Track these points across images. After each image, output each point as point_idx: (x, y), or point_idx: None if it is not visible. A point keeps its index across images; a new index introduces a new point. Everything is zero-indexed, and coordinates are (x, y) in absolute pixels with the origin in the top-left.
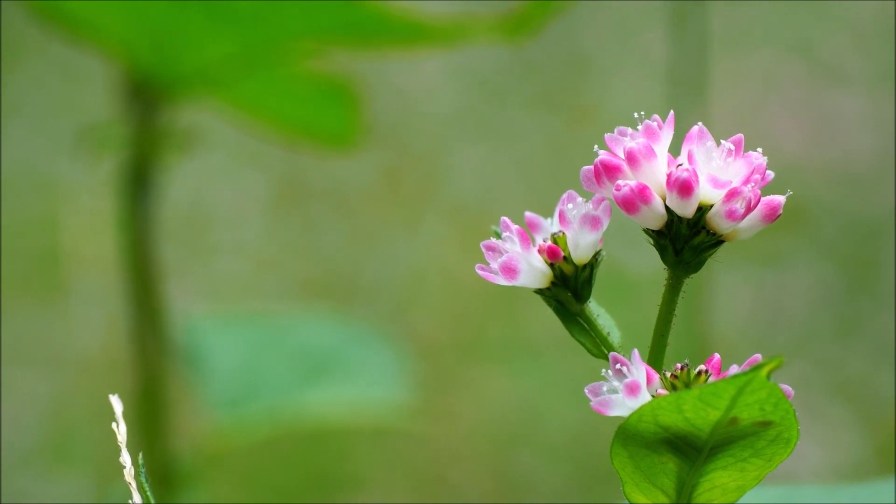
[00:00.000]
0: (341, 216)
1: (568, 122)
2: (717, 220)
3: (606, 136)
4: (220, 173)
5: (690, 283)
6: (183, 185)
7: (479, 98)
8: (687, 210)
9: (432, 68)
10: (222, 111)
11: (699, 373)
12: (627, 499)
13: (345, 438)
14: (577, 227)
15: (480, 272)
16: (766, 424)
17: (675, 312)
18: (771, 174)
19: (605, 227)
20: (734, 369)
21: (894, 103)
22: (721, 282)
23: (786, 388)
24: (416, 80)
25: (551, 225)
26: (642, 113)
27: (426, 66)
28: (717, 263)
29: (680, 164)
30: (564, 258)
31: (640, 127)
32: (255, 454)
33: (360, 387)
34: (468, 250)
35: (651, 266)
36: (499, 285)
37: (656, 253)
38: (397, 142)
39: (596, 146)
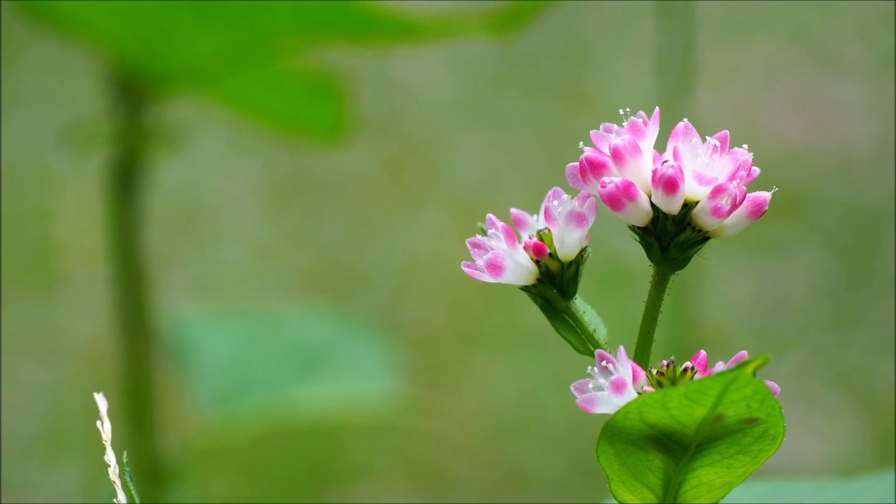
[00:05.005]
0: (341, 206)
1: (567, 111)
2: (703, 217)
3: (592, 132)
4: (217, 164)
5: (686, 273)
6: (180, 176)
7: (478, 87)
8: (672, 207)
9: (431, 58)
10: (211, 107)
11: (685, 370)
12: (614, 496)
13: (342, 431)
14: (563, 223)
15: (466, 269)
16: (752, 421)
17: (662, 309)
18: (756, 170)
19: (590, 223)
20: (720, 366)
21: (894, 91)
22: (720, 271)
23: (771, 384)
24: (415, 70)
25: (537, 222)
26: (628, 109)
27: (425, 57)
28: (716, 253)
29: (665, 161)
30: (550, 255)
31: (625, 123)
32: (252, 448)
33: (353, 381)
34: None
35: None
36: None
37: None
38: (397, 132)
39: (581, 143)
